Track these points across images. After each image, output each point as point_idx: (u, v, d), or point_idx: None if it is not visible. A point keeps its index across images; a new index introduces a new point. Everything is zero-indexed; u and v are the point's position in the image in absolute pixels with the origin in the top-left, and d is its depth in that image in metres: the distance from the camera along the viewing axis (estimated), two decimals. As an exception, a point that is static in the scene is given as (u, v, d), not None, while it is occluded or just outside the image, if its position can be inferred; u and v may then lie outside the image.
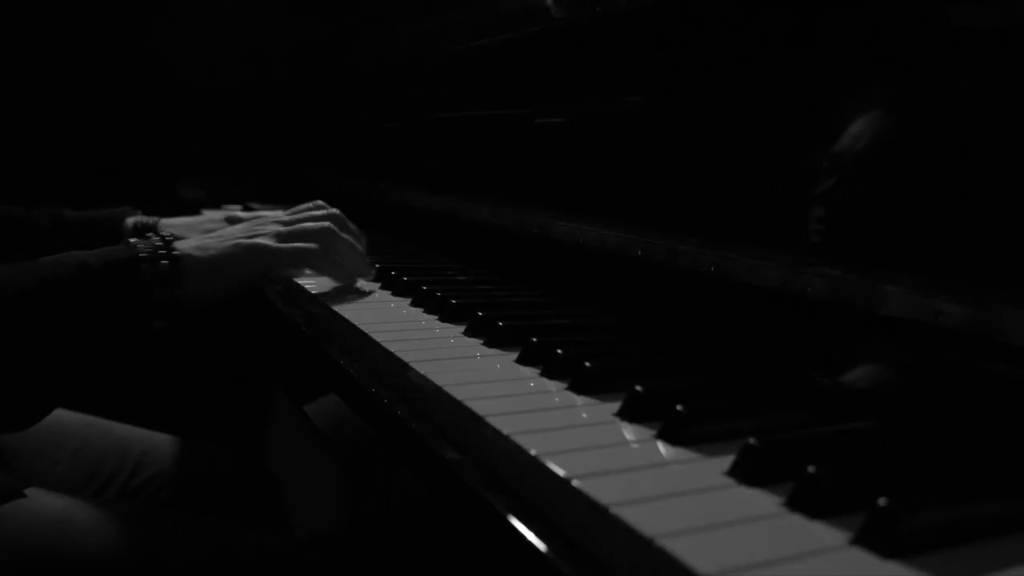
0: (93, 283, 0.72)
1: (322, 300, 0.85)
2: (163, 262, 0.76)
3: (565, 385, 0.57)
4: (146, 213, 1.22)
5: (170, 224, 1.18)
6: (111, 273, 0.74)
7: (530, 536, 0.41)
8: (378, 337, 0.68)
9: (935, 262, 0.51)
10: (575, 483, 0.41)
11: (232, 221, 1.23)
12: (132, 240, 0.77)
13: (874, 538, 0.36)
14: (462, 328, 0.73)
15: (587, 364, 0.57)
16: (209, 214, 1.35)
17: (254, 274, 0.85)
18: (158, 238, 0.79)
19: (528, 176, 1.01)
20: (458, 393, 0.54)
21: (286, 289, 1.06)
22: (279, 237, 0.86)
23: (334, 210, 0.93)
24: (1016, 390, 0.45)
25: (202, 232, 1.20)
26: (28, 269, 0.72)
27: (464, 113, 1.21)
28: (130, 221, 1.17)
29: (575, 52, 0.93)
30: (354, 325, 0.73)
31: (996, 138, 0.50)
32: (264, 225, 0.89)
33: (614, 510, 0.38)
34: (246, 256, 0.83)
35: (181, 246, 0.79)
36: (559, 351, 0.60)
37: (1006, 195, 0.48)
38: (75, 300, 0.72)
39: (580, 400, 0.55)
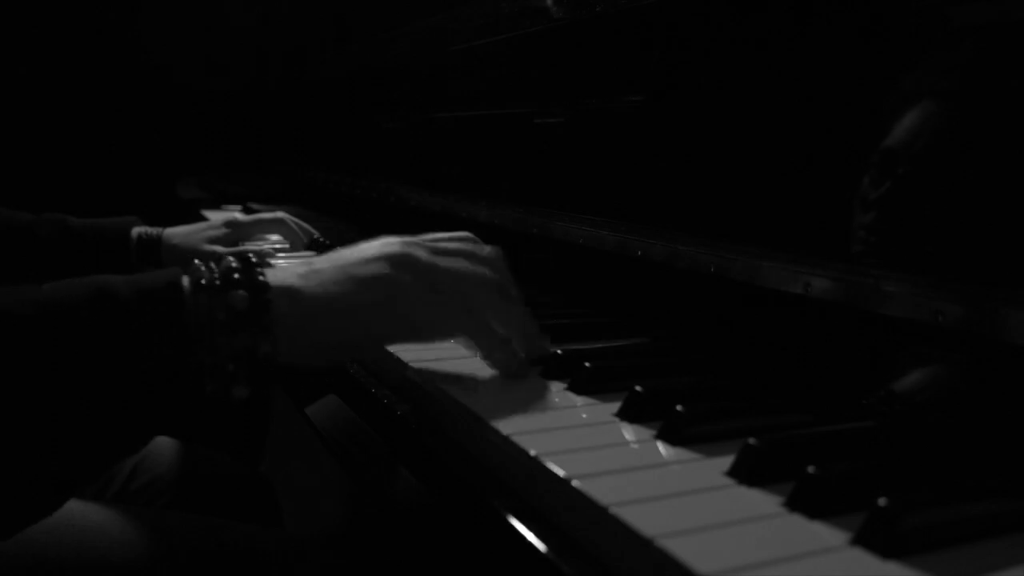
0: (116, 320, 0.46)
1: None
2: (239, 292, 0.48)
3: (564, 385, 0.57)
4: (146, 217, 1.22)
5: (172, 233, 1.18)
6: (146, 306, 0.47)
7: (530, 536, 0.41)
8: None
9: (935, 262, 0.51)
10: (575, 483, 0.41)
11: (232, 225, 1.23)
12: (197, 262, 0.51)
13: (874, 538, 0.36)
14: (462, 328, 0.73)
15: (587, 364, 0.57)
16: (212, 217, 1.35)
17: (384, 333, 0.55)
18: (234, 258, 0.51)
19: (528, 176, 1.01)
20: (457, 393, 0.54)
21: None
22: (431, 275, 0.55)
23: (488, 250, 0.62)
24: (1016, 390, 0.45)
25: (205, 239, 1.20)
26: (29, 294, 0.47)
27: (464, 113, 1.21)
28: (135, 232, 1.16)
29: (575, 52, 0.93)
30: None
31: (996, 137, 0.50)
32: (408, 249, 0.56)
33: (614, 510, 0.38)
34: (378, 299, 0.53)
35: (277, 274, 0.52)
36: (558, 351, 0.60)
37: (1006, 195, 0.48)
38: (87, 343, 0.45)
39: (580, 400, 0.55)
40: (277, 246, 1.26)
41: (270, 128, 2.34)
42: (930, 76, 0.54)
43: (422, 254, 0.55)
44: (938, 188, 0.52)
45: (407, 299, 0.53)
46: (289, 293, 0.51)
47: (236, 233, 1.23)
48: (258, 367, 0.48)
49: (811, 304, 0.57)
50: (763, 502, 0.40)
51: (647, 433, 0.49)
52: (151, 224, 1.20)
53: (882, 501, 0.36)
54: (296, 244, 1.27)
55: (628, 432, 0.49)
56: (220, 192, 2.01)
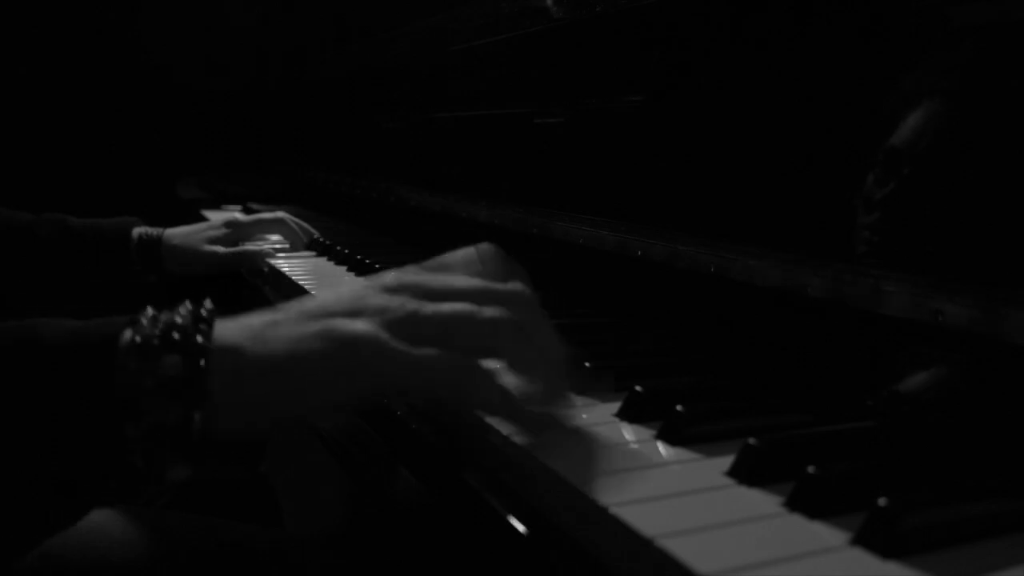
0: (36, 375, 0.41)
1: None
2: (170, 357, 0.42)
3: (565, 385, 0.57)
4: (146, 217, 1.22)
5: (173, 234, 1.18)
6: (69, 362, 0.42)
7: (529, 536, 0.41)
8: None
9: (935, 262, 0.51)
10: (574, 483, 0.41)
11: (232, 225, 1.23)
12: (150, 311, 0.44)
13: (874, 538, 0.36)
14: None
15: (586, 364, 0.57)
16: (212, 218, 1.35)
17: (352, 393, 0.45)
18: (186, 310, 0.44)
19: (528, 176, 1.01)
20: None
21: (275, 278, 1.06)
22: (410, 323, 0.45)
23: (517, 287, 0.51)
24: (1016, 390, 0.45)
25: (205, 240, 1.20)
26: None
27: (464, 113, 1.21)
28: (135, 232, 1.17)
29: (575, 52, 0.93)
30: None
31: (996, 138, 0.50)
32: (383, 296, 0.47)
33: (614, 510, 0.38)
34: (338, 357, 0.44)
35: (225, 332, 0.44)
36: (559, 351, 0.60)
37: (1006, 195, 0.48)
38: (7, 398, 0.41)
39: (579, 401, 0.55)
40: (277, 246, 1.27)
41: (270, 128, 2.34)
42: (930, 76, 0.54)
43: (403, 299, 0.46)
44: (938, 188, 0.52)
45: (372, 357, 0.44)
46: (233, 355, 0.43)
47: (236, 233, 1.23)
48: (194, 443, 0.42)
49: (811, 304, 0.57)
50: (763, 502, 0.40)
51: (647, 433, 0.49)
52: (151, 224, 1.20)
53: (882, 501, 0.36)
54: (296, 244, 1.27)
55: (628, 432, 0.49)
56: (220, 192, 2.01)
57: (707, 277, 0.66)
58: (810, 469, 0.39)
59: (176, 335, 0.43)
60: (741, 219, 0.67)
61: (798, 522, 0.38)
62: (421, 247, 1.26)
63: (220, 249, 1.18)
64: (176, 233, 1.19)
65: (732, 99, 0.70)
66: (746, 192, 0.67)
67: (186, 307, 0.45)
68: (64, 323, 0.44)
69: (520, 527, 0.42)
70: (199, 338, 0.43)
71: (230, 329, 0.44)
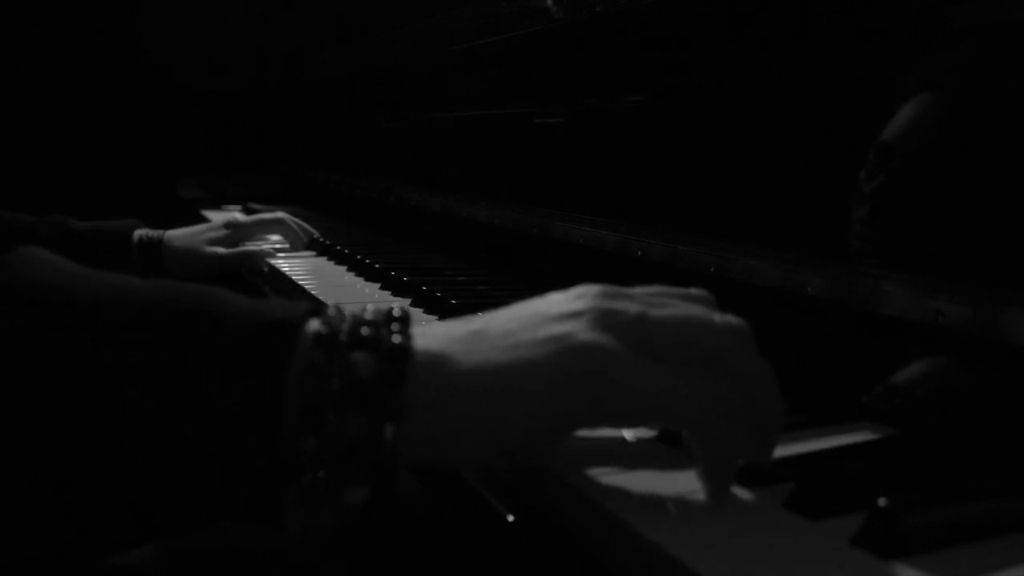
0: (211, 352, 0.35)
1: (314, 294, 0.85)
2: (360, 355, 0.35)
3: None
4: (147, 217, 1.22)
5: (173, 235, 1.18)
6: (247, 346, 0.35)
7: (527, 534, 0.41)
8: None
9: (935, 262, 0.51)
10: (573, 483, 0.41)
11: (233, 226, 1.23)
12: (335, 306, 0.38)
13: (874, 538, 0.35)
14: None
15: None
16: (213, 218, 1.35)
17: (575, 419, 0.38)
18: (374, 308, 0.38)
19: (528, 176, 1.01)
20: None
21: (274, 278, 1.06)
22: (637, 329, 0.38)
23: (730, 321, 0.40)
24: (1016, 390, 0.45)
25: (206, 241, 1.20)
26: (123, 283, 0.41)
27: (464, 113, 1.21)
28: (136, 235, 1.17)
29: (575, 52, 0.93)
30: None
31: (997, 138, 0.50)
32: (599, 298, 0.39)
33: (613, 510, 0.38)
34: (572, 368, 0.36)
35: (424, 337, 0.37)
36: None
37: (1007, 196, 0.48)
38: (160, 364, 0.35)
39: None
40: (277, 246, 1.27)
41: (270, 128, 2.35)
42: (930, 77, 0.54)
43: (628, 303, 0.39)
44: (938, 189, 0.52)
45: (611, 369, 0.36)
46: (438, 363, 0.36)
47: (237, 234, 1.23)
48: (377, 465, 0.35)
49: (811, 304, 0.57)
50: (763, 503, 0.40)
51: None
52: (152, 225, 1.20)
53: (882, 501, 0.36)
54: (296, 244, 1.27)
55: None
56: (220, 192, 2.01)
57: (707, 277, 0.66)
58: (810, 470, 0.39)
59: (366, 331, 0.36)
60: (741, 219, 0.67)
61: (798, 522, 0.38)
62: (415, 243, 1.26)
63: (221, 250, 1.18)
64: (177, 235, 1.19)
65: (732, 99, 0.70)
66: (746, 192, 0.67)
67: (372, 306, 0.38)
68: (239, 298, 0.38)
69: (516, 523, 0.41)
70: (396, 337, 0.36)
71: (428, 334, 0.37)
